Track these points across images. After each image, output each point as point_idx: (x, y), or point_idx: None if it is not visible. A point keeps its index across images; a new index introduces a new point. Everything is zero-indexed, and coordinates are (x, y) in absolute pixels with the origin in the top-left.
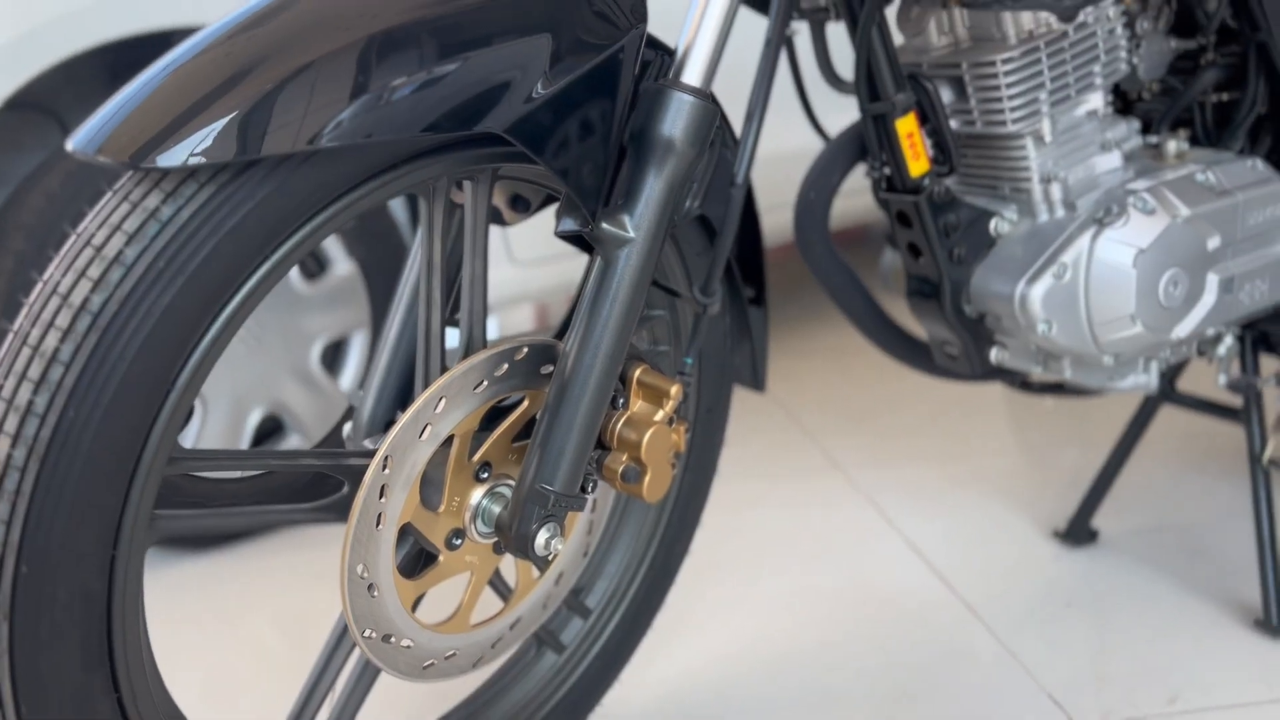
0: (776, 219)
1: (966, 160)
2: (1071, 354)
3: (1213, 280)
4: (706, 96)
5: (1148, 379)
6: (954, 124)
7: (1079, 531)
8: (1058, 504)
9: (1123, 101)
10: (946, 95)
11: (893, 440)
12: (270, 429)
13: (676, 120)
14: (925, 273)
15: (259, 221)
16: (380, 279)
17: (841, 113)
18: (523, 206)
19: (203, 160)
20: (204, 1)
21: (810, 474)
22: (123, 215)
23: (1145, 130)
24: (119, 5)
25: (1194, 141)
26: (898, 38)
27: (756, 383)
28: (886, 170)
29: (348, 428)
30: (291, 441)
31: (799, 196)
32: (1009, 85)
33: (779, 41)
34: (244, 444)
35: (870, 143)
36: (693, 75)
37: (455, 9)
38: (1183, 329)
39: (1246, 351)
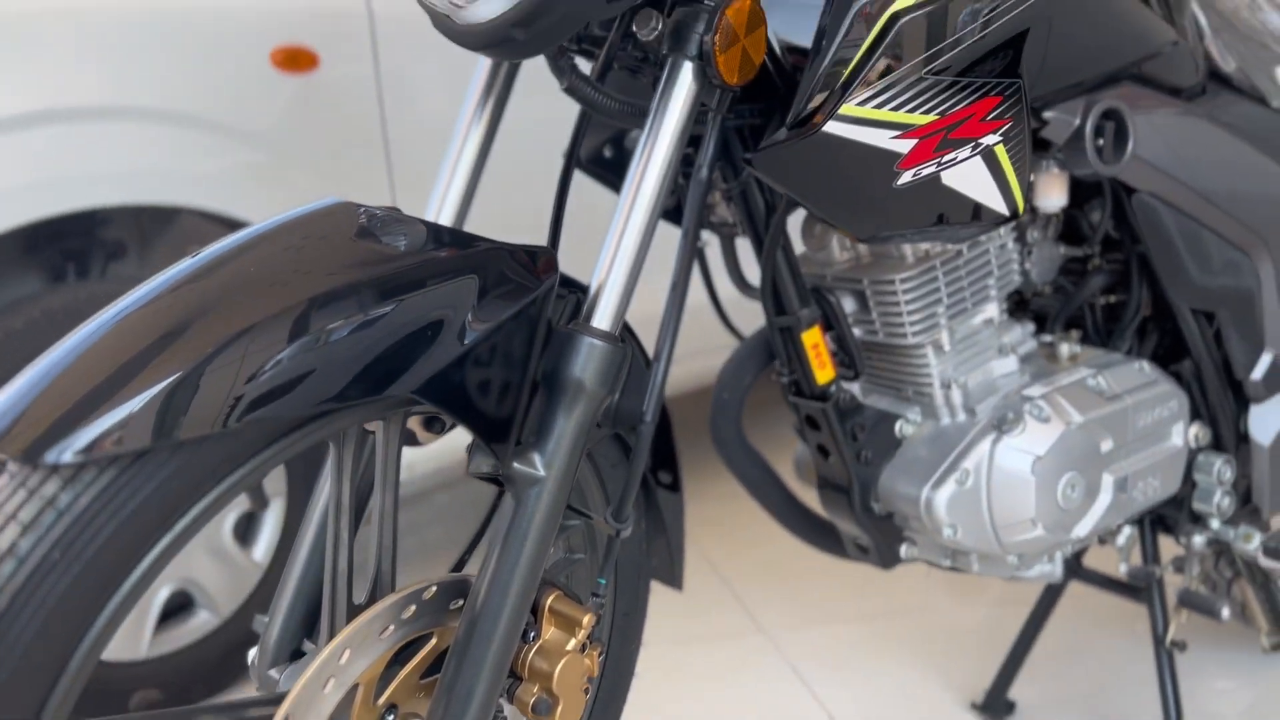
0: (691, 367)
1: (871, 363)
2: (978, 552)
3: (1108, 480)
4: (617, 339)
5: (1053, 568)
6: (858, 332)
7: (996, 704)
8: (978, 670)
9: (1018, 299)
10: (850, 305)
11: (817, 598)
12: (179, 605)
13: (587, 365)
14: (834, 473)
15: (162, 500)
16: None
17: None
18: (438, 427)
19: (111, 451)
20: (124, 182)
21: (733, 638)
22: (18, 504)
23: (1040, 325)
24: (34, 188)
25: (1085, 339)
26: (799, 244)
27: (673, 580)
28: (795, 376)
29: (253, 653)
30: (200, 618)
31: (714, 396)
32: (908, 301)
33: (690, 255)
34: (150, 623)
35: (778, 351)
36: (603, 318)
37: (371, 274)
38: (1082, 529)
39: (1146, 534)
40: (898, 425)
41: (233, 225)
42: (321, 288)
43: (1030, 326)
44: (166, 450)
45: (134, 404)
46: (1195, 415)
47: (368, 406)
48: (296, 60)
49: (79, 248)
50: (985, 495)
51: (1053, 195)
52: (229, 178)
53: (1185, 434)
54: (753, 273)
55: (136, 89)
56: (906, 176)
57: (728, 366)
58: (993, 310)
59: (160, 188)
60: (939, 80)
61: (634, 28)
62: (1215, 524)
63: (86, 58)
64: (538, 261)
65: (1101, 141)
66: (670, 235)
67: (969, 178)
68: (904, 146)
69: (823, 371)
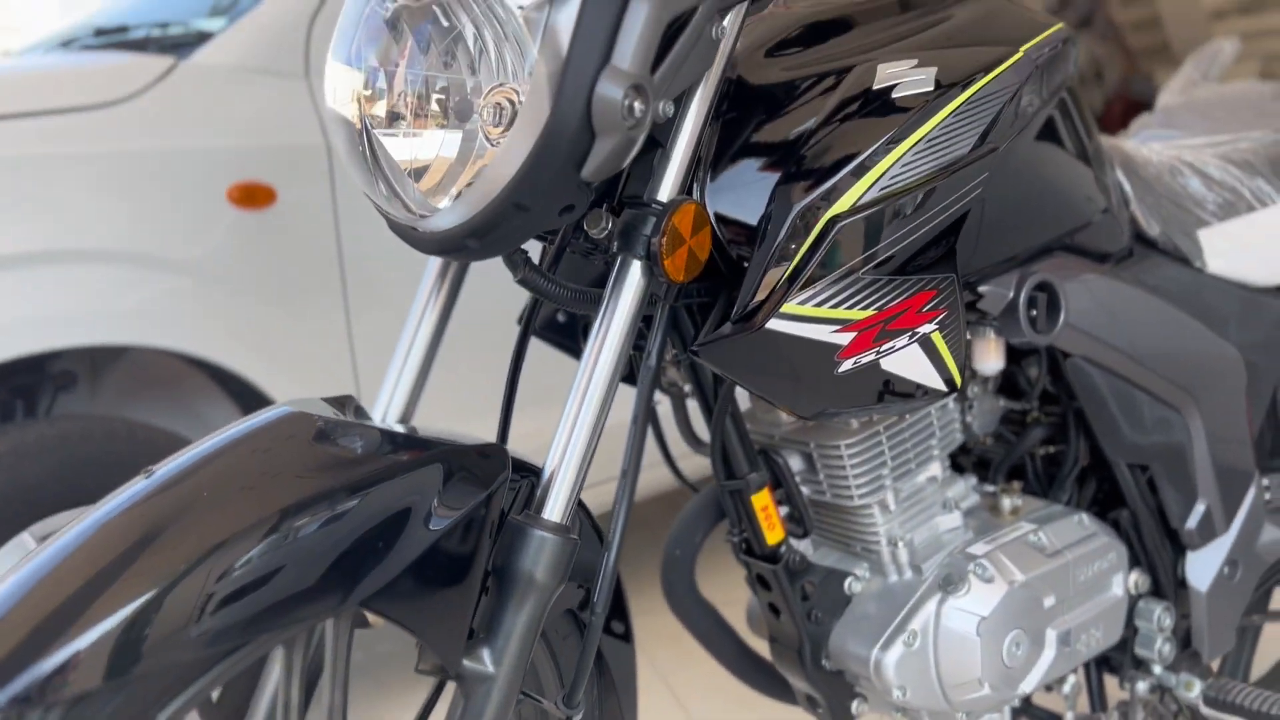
0: (645, 476)
1: (820, 518)
2: (927, 709)
3: (1051, 635)
4: (568, 530)
5: (1000, 719)
6: (806, 491)
7: None
8: None
9: (960, 449)
10: (797, 464)
11: (766, 713)
12: None
13: (539, 558)
14: (785, 631)
15: None
16: None
17: None
18: None
19: (56, 697)
20: (77, 323)
21: None
22: None
23: (983, 469)
24: None
25: (1026, 488)
26: (745, 403)
27: None
28: (745, 536)
29: None
30: None
31: (665, 552)
32: (853, 466)
33: (640, 442)
34: None
35: (729, 512)
36: (555, 508)
37: (321, 488)
38: (1028, 684)
39: (1091, 677)
40: (846, 582)
41: (187, 361)
42: (290, 498)
43: (972, 480)
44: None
45: (84, 641)
46: (1135, 562)
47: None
48: (254, 196)
49: (28, 384)
50: (933, 656)
51: (990, 360)
52: (184, 314)
53: (1125, 583)
54: (702, 428)
55: (90, 231)
56: (847, 365)
57: (679, 523)
58: (936, 468)
59: (114, 327)
60: (876, 278)
61: (585, 226)
62: (1157, 669)
63: (40, 203)
64: (489, 458)
65: (1035, 312)
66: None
67: (907, 362)
68: (844, 339)
69: (772, 533)
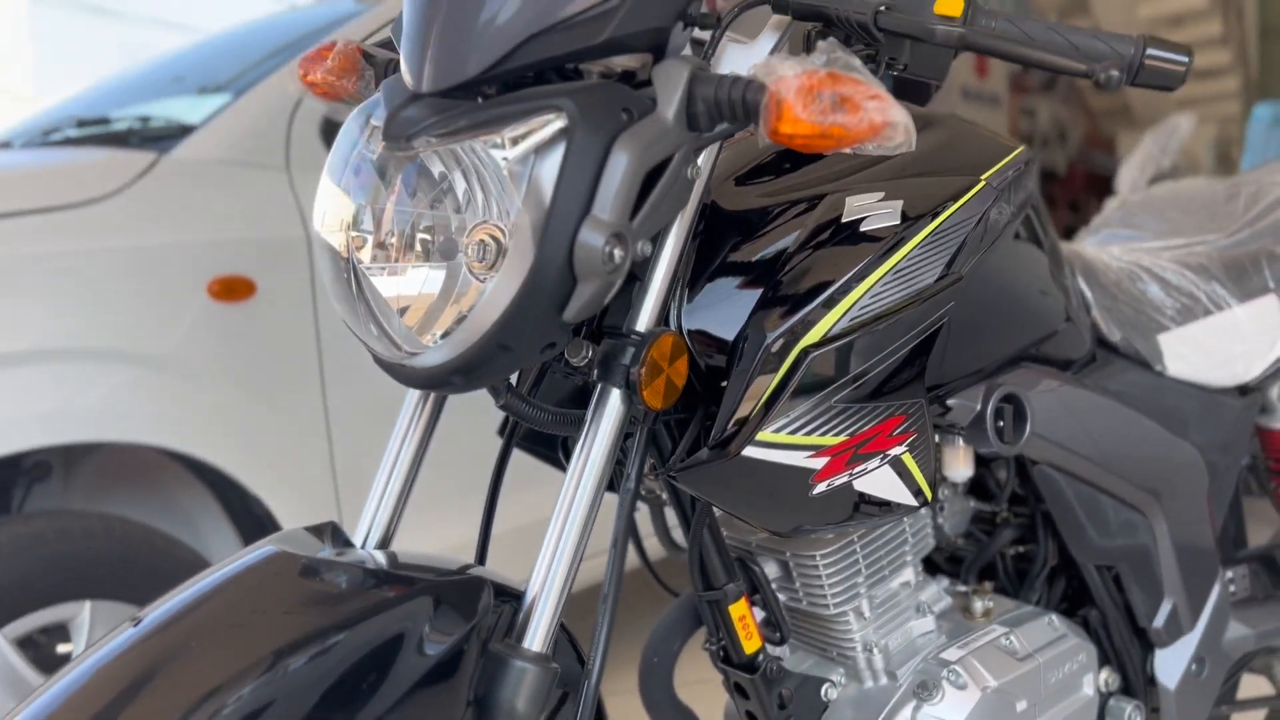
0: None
1: (797, 623)
2: None
3: None
4: (549, 659)
5: None
6: (783, 597)
7: None
8: None
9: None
10: (774, 571)
11: None
12: None
13: (518, 689)
14: None
15: None
16: None
17: None
18: None
19: None
20: (53, 422)
21: None
22: None
23: (955, 565)
24: None
25: (997, 586)
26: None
27: None
28: (722, 644)
29: None
30: None
31: (643, 658)
32: (829, 575)
33: (620, 569)
34: None
35: (706, 621)
36: (535, 637)
37: (308, 627)
38: None
39: None
40: (823, 689)
41: (164, 454)
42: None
43: (944, 581)
44: None
45: None
46: (1105, 660)
47: None
48: (233, 290)
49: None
50: None
51: (960, 468)
52: (162, 409)
53: (1095, 682)
54: (679, 533)
55: (72, 329)
56: (821, 487)
57: (658, 630)
58: (909, 573)
59: (91, 425)
60: (848, 406)
61: (565, 355)
62: None
63: (25, 302)
64: (471, 589)
65: (1002, 423)
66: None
67: (879, 482)
68: (818, 464)
69: (749, 642)
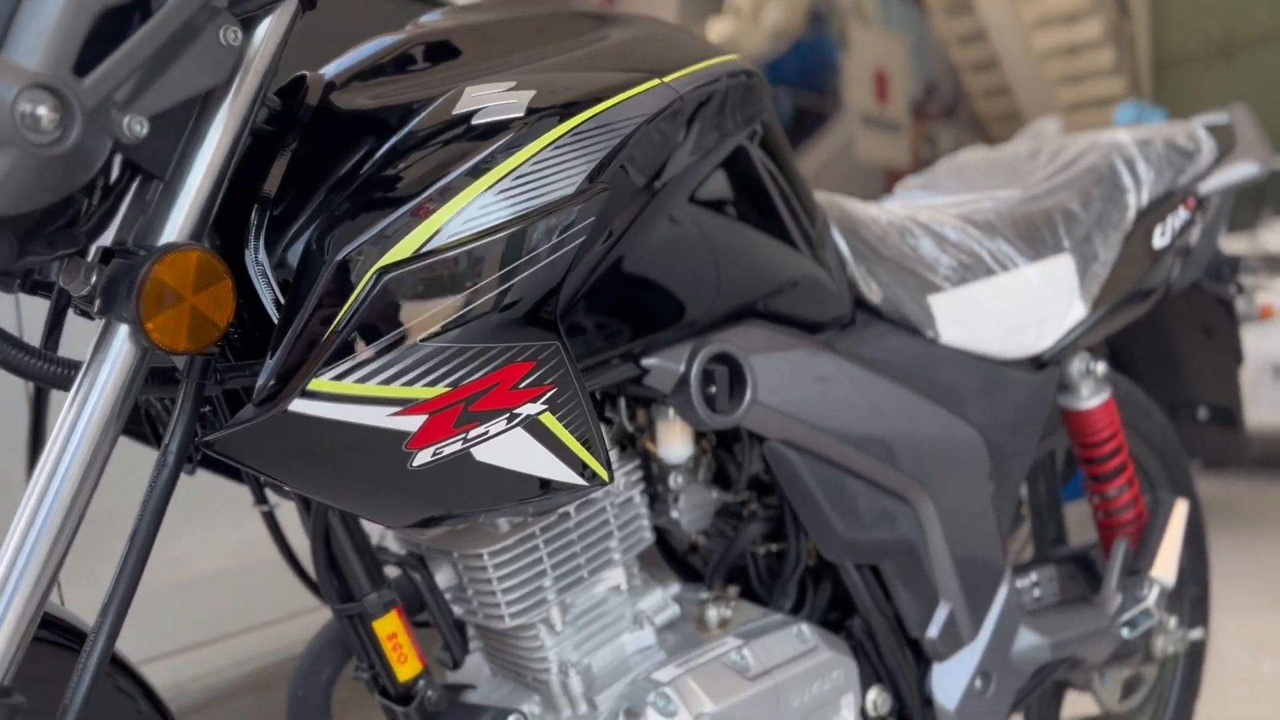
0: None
1: (491, 643)
2: None
3: None
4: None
5: None
6: (458, 611)
7: None
8: None
9: (672, 553)
10: (447, 578)
11: None
12: None
13: None
14: None
15: None
16: None
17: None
18: None
19: None
20: None
21: None
22: None
23: (700, 579)
24: None
25: (750, 593)
26: None
27: None
28: (375, 671)
29: None
30: None
31: (289, 694)
32: (501, 579)
33: (152, 526)
34: None
35: (351, 642)
36: None
37: None
38: None
39: None
40: None
41: None
42: None
43: (674, 588)
44: None
45: None
46: (876, 678)
47: None
48: None
49: None
50: None
51: (675, 444)
52: None
53: (858, 704)
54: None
55: None
56: (424, 456)
57: (303, 659)
58: (619, 576)
59: None
60: (443, 348)
61: (61, 281)
62: None
63: None
64: None
65: (714, 389)
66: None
67: (514, 452)
68: (410, 424)
69: (404, 666)
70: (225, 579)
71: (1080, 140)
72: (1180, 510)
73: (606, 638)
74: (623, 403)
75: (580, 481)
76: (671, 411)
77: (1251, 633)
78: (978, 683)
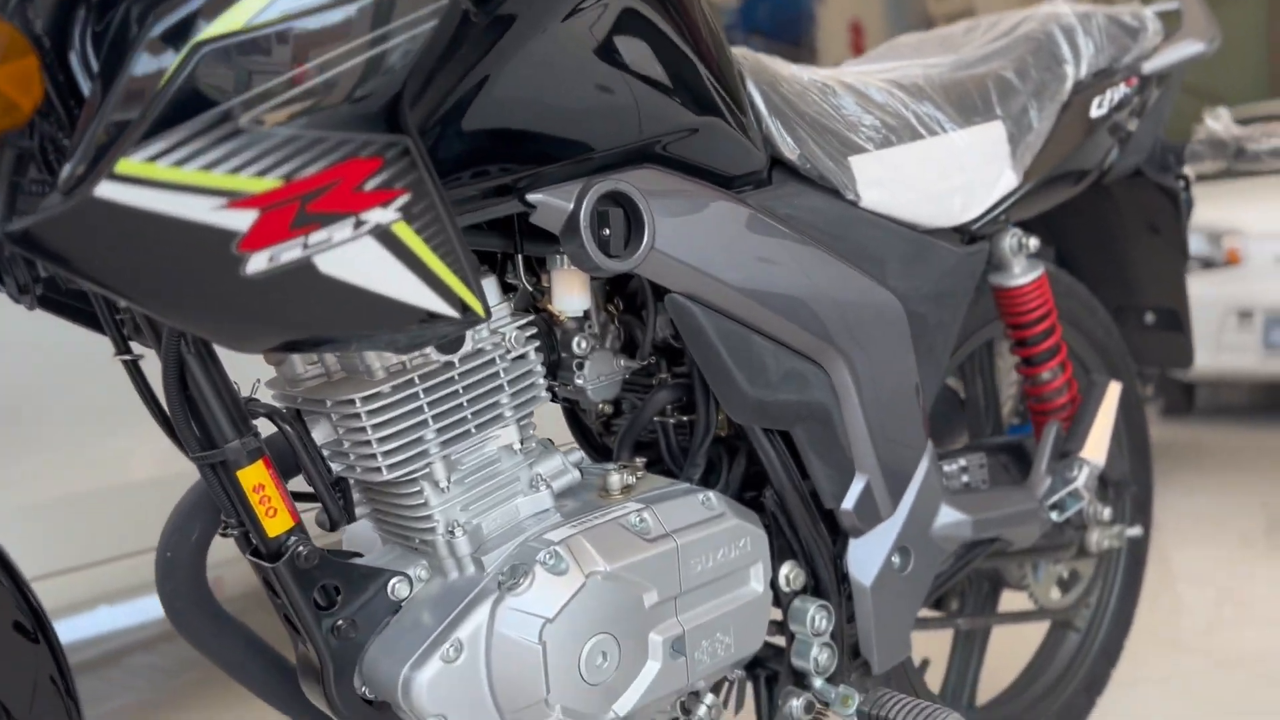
0: None
1: (377, 505)
2: None
3: (656, 642)
4: None
5: None
6: (337, 467)
7: None
8: None
9: (581, 427)
10: (325, 433)
11: None
12: None
13: None
14: (306, 650)
15: None
16: None
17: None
18: None
19: None
20: None
21: None
22: None
23: (607, 456)
24: None
25: (661, 468)
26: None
27: None
28: (245, 528)
29: None
30: None
31: (157, 557)
32: (376, 426)
33: None
34: None
35: (217, 496)
36: None
37: None
38: (624, 705)
39: (761, 692)
40: (391, 584)
41: None
42: None
43: (575, 455)
44: None
45: None
46: (791, 554)
47: None
48: None
49: None
50: (485, 673)
51: (572, 295)
52: None
53: (767, 576)
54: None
55: None
56: (259, 262)
57: (172, 518)
58: (511, 435)
59: None
60: (271, 134)
61: None
62: (817, 682)
63: None
64: None
65: (608, 232)
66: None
67: (364, 266)
68: (238, 221)
69: (273, 521)
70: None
71: (1018, 12)
72: (1113, 392)
73: (498, 499)
74: (520, 260)
75: (450, 311)
76: (566, 260)
77: (1207, 566)
78: (895, 559)
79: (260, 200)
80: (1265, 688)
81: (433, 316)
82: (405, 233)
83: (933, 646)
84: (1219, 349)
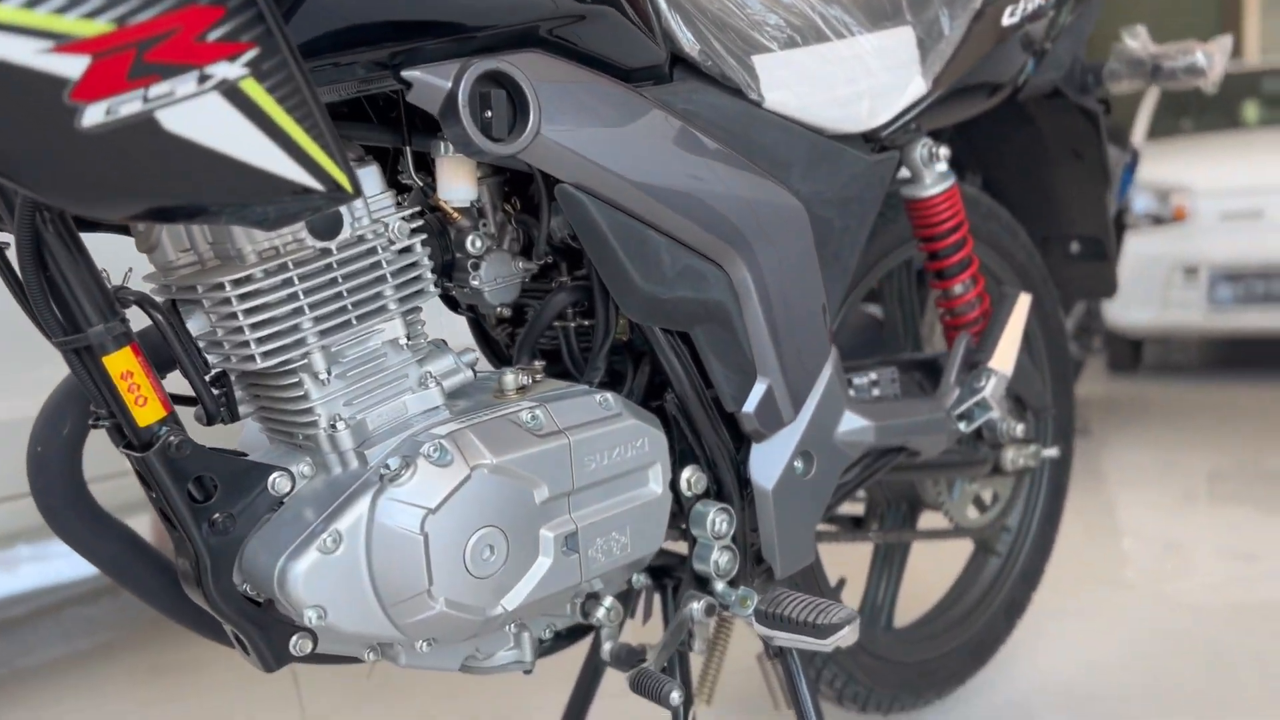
0: None
1: (261, 400)
2: (375, 639)
3: (548, 538)
4: None
5: (519, 654)
6: (213, 360)
7: None
8: None
9: (485, 339)
10: (199, 324)
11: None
12: None
13: None
14: (183, 544)
15: None
16: None
17: None
18: None
19: None
20: None
21: None
22: None
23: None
24: None
25: (563, 372)
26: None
27: None
28: (116, 419)
29: None
30: None
31: (28, 453)
32: (247, 312)
33: None
34: None
35: (85, 385)
36: None
37: None
38: (513, 599)
39: (669, 601)
40: (271, 479)
41: None
42: None
43: (471, 355)
44: None
45: None
46: (693, 459)
47: None
48: None
49: None
50: (365, 564)
51: (458, 184)
52: None
53: (666, 477)
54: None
55: None
56: (95, 114)
57: (41, 414)
58: (397, 329)
59: None
60: None
61: None
62: (719, 585)
63: None
64: None
65: (490, 114)
66: None
67: (214, 126)
68: (69, 67)
69: (144, 410)
70: None
71: None
72: (1023, 303)
73: (385, 395)
74: (409, 155)
75: (313, 184)
76: (450, 147)
77: (1148, 515)
78: (797, 464)
79: (91, 45)
80: (1185, 619)
81: (296, 189)
82: (256, 91)
83: (851, 569)
84: (1165, 305)
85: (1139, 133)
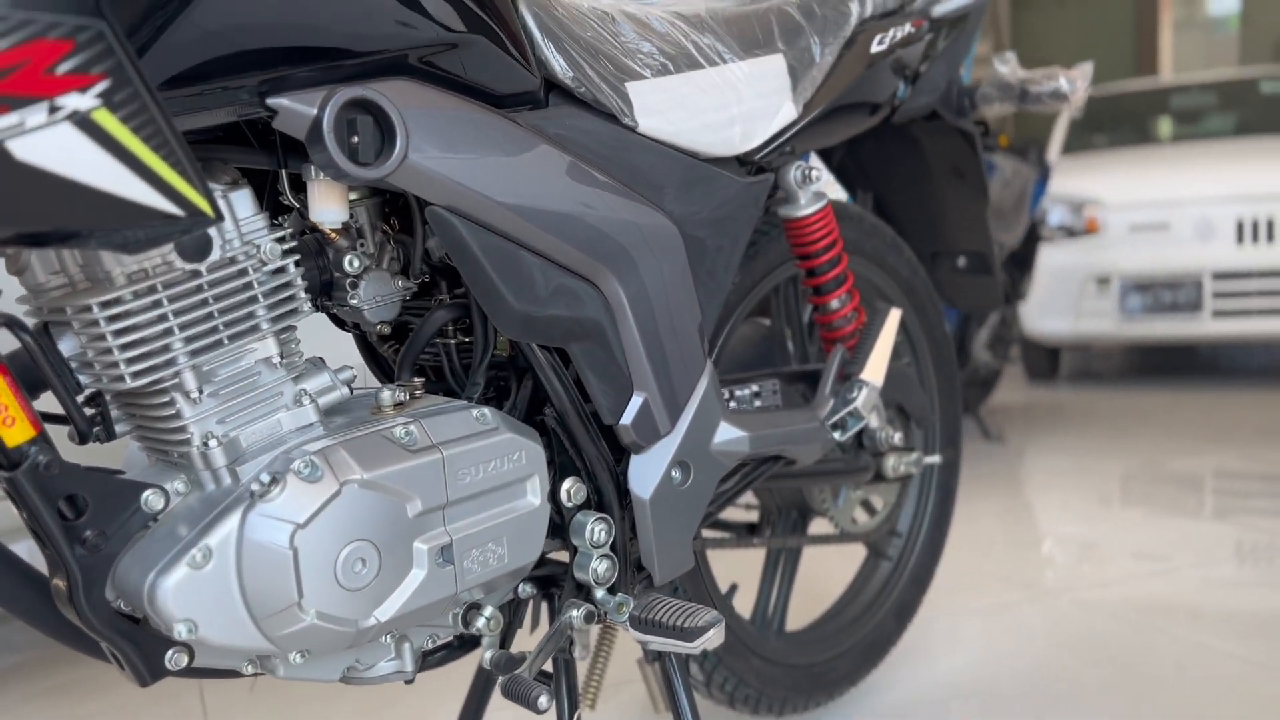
0: None
1: (137, 419)
2: (246, 652)
3: (421, 550)
4: None
5: (400, 664)
6: (85, 381)
7: None
8: None
9: (368, 348)
10: (71, 346)
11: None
12: None
13: None
14: (55, 563)
15: None
16: None
17: None
18: None
19: None
20: None
21: None
22: None
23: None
24: None
25: (446, 390)
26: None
27: None
28: None
29: None
30: None
31: None
32: (116, 333)
33: None
34: None
35: None
36: None
37: None
38: (387, 610)
39: (556, 610)
40: (144, 496)
41: None
42: None
43: (347, 373)
44: None
45: None
46: (574, 471)
47: None
48: None
49: None
50: (235, 578)
51: (329, 207)
52: None
53: (544, 490)
54: None
55: None
56: None
57: None
58: (270, 348)
59: None
60: None
61: None
62: (599, 593)
63: None
64: None
65: (357, 140)
66: None
67: (67, 156)
68: None
69: (12, 431)
70: None
71: None
72: (893, 317)
73: (259, 413)
74: (285, 177)
75: (172, 209)
76: (319, 171)
77: (1061, 518)
78: (674, 474)
79: None
80: (1080, 618)
81: (156, 215)
82: (109, 121)
83: (742, 574)
84: (1079, 315)
85: (1054, 148)
